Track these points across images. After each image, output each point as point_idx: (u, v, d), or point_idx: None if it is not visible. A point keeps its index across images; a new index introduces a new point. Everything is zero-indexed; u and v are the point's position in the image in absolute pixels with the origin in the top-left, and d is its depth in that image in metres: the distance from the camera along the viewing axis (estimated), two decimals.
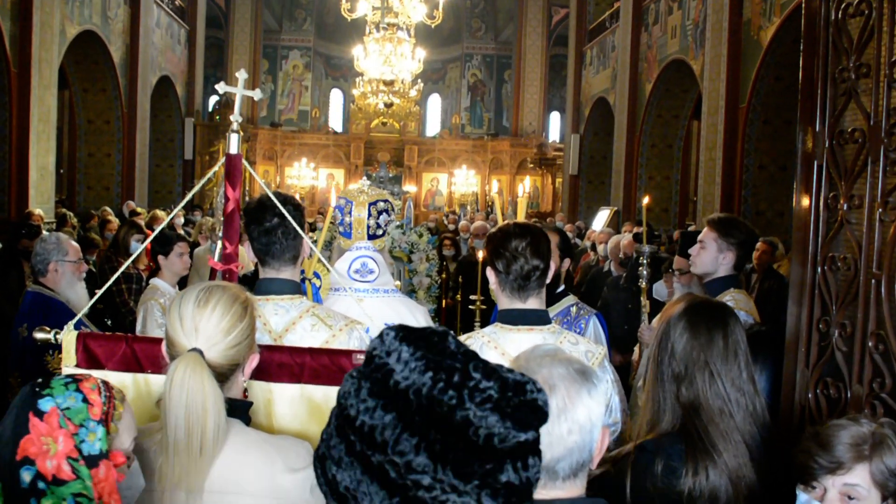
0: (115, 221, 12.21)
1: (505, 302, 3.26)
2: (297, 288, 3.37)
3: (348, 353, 2.87)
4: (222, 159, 3.39)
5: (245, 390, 2.54)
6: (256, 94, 3.66)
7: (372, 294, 4.43)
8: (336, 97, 38.32)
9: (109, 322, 7.36)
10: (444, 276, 10.38)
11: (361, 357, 2.81)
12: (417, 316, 4.42)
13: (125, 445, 2.10)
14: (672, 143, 21.02)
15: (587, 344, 3.33)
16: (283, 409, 2.89)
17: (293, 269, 3.36)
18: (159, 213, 13.56)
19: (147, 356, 2.81)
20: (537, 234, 3.25)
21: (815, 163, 3.05)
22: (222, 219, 5.26)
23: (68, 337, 2.92)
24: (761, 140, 15.12)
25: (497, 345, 3.19)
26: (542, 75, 34.77)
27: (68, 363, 2.90)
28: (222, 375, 2.37)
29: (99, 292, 3.58)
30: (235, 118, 3.35)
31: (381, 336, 1.39)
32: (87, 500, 1.92)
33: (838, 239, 3.00)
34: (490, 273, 3.27)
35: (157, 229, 4.22)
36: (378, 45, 20.53)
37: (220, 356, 2.36)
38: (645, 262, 5.87)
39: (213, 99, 31.02)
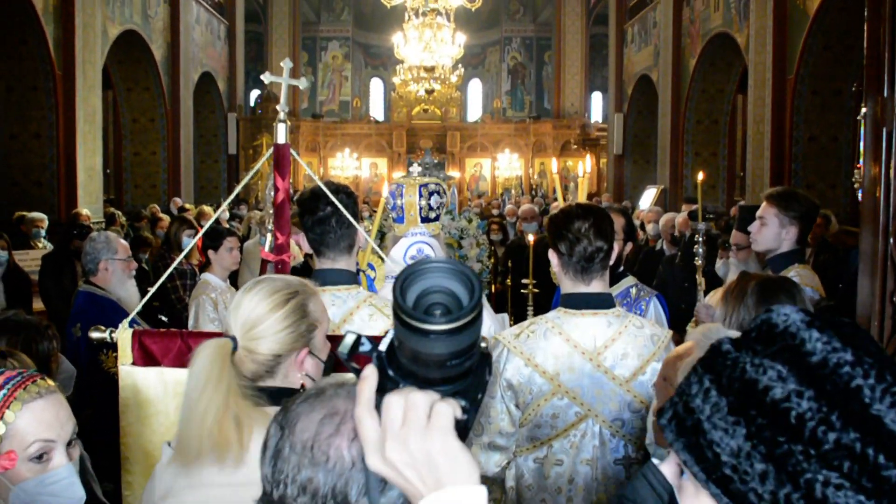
0: (165, 219, 12.29)
1: (568, 285, 3.17)
2: (353, 278, 3.32)
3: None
4: (269, 150, 3.37)
5: (303, 385, 2.49)
6: (302, 83, 3.64)
7: None
8: (376, 86, 38.29)
9: (165, 318, 7.38)
10: (492, 260, 10.32)
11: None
12: None
13: (23, 444, 2.06)
14: (718, 119, 20.72)
15: (652, 327, 3.24)
16: None
17: (349, 259, 3.31)
18: (206, 208, 13.64)
19: None
20: (600, 215, 3.17)
21: (884, 129, 2.94)
22: (271, 211, 5.24)
23: (123, 335, 2.95)
24: (811, 111, 14.83)
25: (561, 330, 3.11)
26: (582, 55, 34.42)
27: (124, 361, 2.94)
28: (264, 364, 2.39)
29: (152, 289, 3.55)
30: (282, 107, 3.38)
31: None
32: None
33: None
34: (552, 256, 3.19)
35: (207, 225, 4.21)
36: (417, 31, 20.47)
37: (253, 343, 2.37)
38: (700, 239, 5.77)
39: (255, 93, 31.15)
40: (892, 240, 2.95)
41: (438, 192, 4.62)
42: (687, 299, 7.74)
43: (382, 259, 4.24)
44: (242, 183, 3.88)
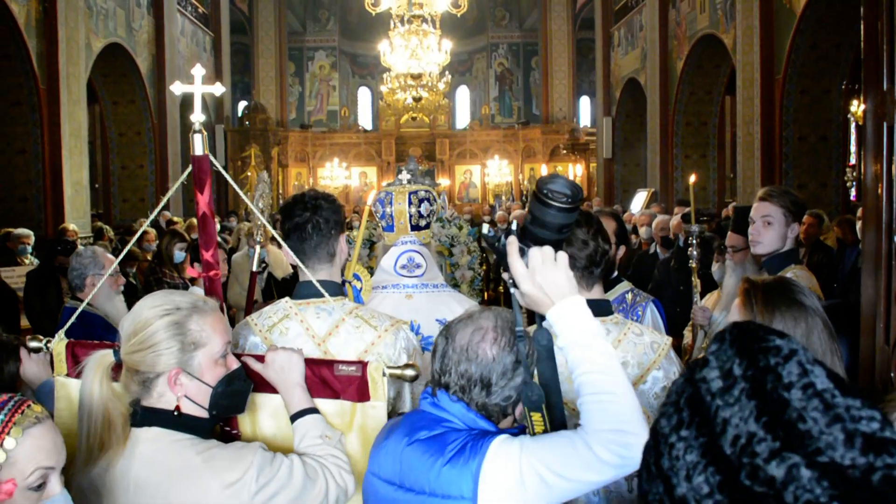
0: (152, 232, 12.14)
1: None
2: (338, 289, 3.21)
3: (330, 365, 2.78)
4: (189, 168, 3.27)
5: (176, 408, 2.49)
6: (217, 90, 3.52)
7: (421, 289, 4.26)
8: (364, 95, 38.23)
9: None
10: (484, 267, 10.23)
11: (344, 367, 2.75)
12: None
13: (24, 473, 1.97)
14: (707, 121, 20.71)
15: (651, 334, 3.13)
16: (267, 420, 2.83)
17: (330, 269, 3.20)
18: (195, 221, 13.50)
19: None
20: (597, 219, 3.10)
21: (885, 124, 2.85)
22: (258, 223, 5.13)
23: (58, 346, 2.94)
24: (799, 111, 14.83)
25: None
26: (569, 60, 34.46)
27: (60, 372, 2.91)
28: (140, 382, 2.43)
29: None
30: (196, 117, 3.21)
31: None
32: None
33: None
34: None
35: (130, 242, 4.11)
36: (404, 39, 20.40)
37: (128, 358, 2.42)
38: (694, 241, 5.70)
39: (243, 104, 31.08)
40: (895, 238, 2.86)
41: (428, 200, 4.52)
42: (683, 303, 7.67)
43: (366, 269, 4.14)
44: (166, 197, 3.76)
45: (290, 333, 3.12)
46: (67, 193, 14.81)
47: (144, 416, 2.42)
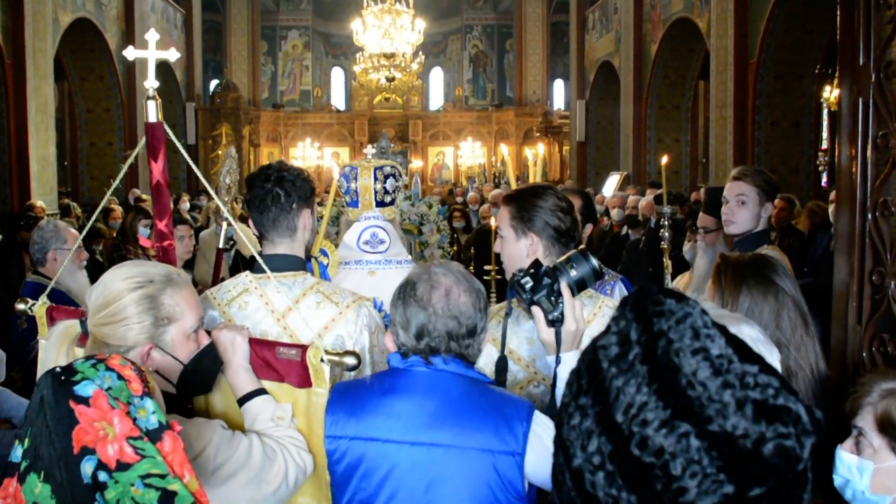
0: (118, 210, 11.99)
1: None
2: (300, 264, 3.12)
3: (272, 347, 2.66)
4: (143, 141, 3.17)
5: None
6: (171, 55, 3.41)
7: (385, 265, 4.18)
8: (337, 75, 37.98)
9: None
10: (454, 248, 10.17)
11: (284, 350, 2.63)
12: None
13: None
14: (680, 105, 20.72)
15: None
16: (216, 398, 2.77)
17: (291, 243, 3.10)
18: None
19: None
20: (564, 195, 3.04)
21: (861, 100, 2.80)
22: (226, 199, 5.00)
23: (40, 310, 2.94)
24: (772, 96, 14.83)
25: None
26: (543, 43, 34.45)
27: (43, 335, 2.89)
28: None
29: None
30: (150, 83, 3.11)
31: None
32: (158, 478, 1.71)
33: (889, 182, 2.75)
34: (522, 239, 3.01)
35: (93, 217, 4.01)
36: (377, 18, 20.24)
37: (97, 330, 2.34)
38: (666, 223, 5.65)
39: (214, 82, 30.82)
40: (870, 216, 2.81)
41: (394, 176, 4.43)
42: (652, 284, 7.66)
43: (333, 245, 4.05)
44: (120, 175, 3.66)
45: (249, 308, 3.03)
46: (34, 170, 14.59)
47: None
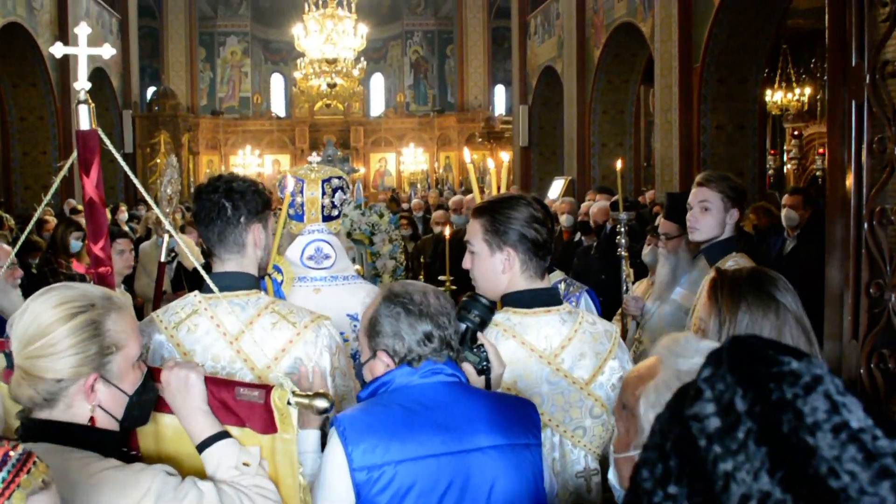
0: (52, 221, 11.59)
1: (521, 283, 2.82)
2: (252, 282, 2.90)
3: (230, 387, 2.36)
4: (74, 154, 2.83)
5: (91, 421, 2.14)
6: (105, 52, 3.05)
7: (330, 282, 3.93)
8: (277, 82, 37.63)
9: None
10: (403, 257, 9.96)
11: (245, 392, 2.31)
12: None
13: None
14: (623, 109, 20.73)
15: (604, 323, 2.92)
16: (168, 444, 2.42)
17: (240, 260, 2.88)
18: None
19: None
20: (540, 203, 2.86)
21: (854, 102, 2.65)
22: (167, 210, 4.70)
23: None
24: (717, 100, 14.86)
25: (515, 333, 2.77)
26: (485, 48, 34.52)
27: None
28: (44, 391, 2.05)
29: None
30: (81, 86, 2.79)
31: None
32: None
33: (886, 189, 2.61)
34: (497, 254, 2.81)
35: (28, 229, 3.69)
36: (318, 23, 20.01)
37: (29, 364, 2.04)
38: (623, 230, 5.51)
39: (152, 90, 30.30)
40: (865, 225, 2.66)
41: (342, 189, 4.21)
42: (606, 292, 7.52)
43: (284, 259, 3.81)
44: (53, 187, 3.27)
45: (199, 331, 2.81)
46: None
47: (37, 430, 2.06)
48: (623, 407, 1.82)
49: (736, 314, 2.48)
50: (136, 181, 2.98)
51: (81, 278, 7.17)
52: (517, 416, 2.37)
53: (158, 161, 24.80)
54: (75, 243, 7.39)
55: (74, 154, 2.81)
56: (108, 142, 2.84)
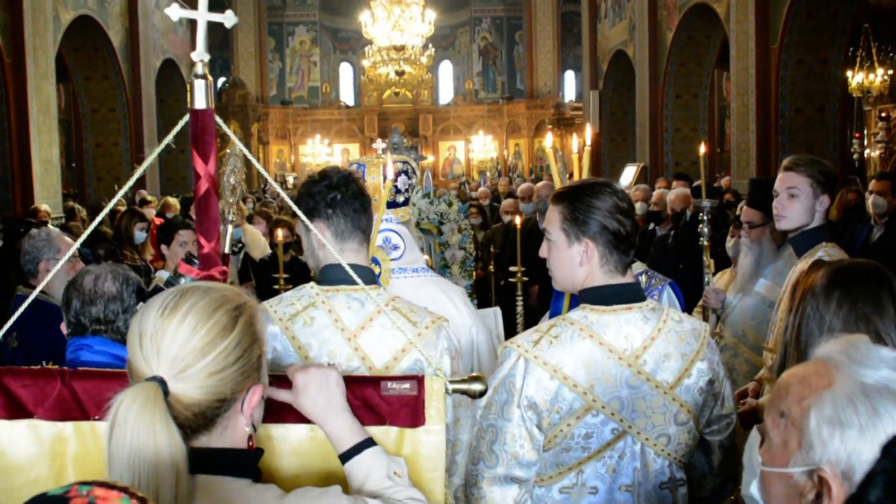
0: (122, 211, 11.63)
1: (600, 278, 2.58)
2: (371, 276, 2.72)
3: (376, 383, 2.11)
4: (185, 117, 2.32)
5: (251, 437, 1.79)
6: (228, 20, 2.53)
7: (398, 274, 3.68)
8: (346, 71, 37.75)
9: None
10: (473, 246, 9.75)
11: (394, 385, 2.06)
12: (454, 299, 3.69)
13: None
14: (697, 93, 20.25)
15: (691, 321, 2.64)
16: (287, 460, 2.14)
17: (365, 252, 2.73)
18: (171, 199, 12.95)
19: (92, 397, 1.97)
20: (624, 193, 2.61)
21: None
22: (230, 200, 4.43)
23: None
24: (796, 82, 14.41)
25: (592, 332, 2.49)
26: (554, 34, 34.21)
27: None
28: (201, 416, 1.67)
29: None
30: (200, 56, 2.30)
31: None
32: None
33: None
34: (574, 245, 2.58)
35: (101, 213, 3.46)
36: (385, 10, 19.91)
37: (192, 387, 1.64)
38: (705, 218, 5.22)
39: (221, 80, 30.53)
40: None
41: (406, 173, 4.00)
42: (684, 283, 7.23)
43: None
44: (140, 169, 2.69)
45: (316, 324, 2.58)
46: (37, 172, 14.25)
47: (211, 463, 1.71)
48: (781, 415, 1.57)
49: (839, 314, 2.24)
50: (259, 168, 2.66)
51: (146, 269, 7.12)
52: None
53: (227, 151, 24.98)
54: (139, 234, 7.34)
55: (174, 132, 2.32)
56: (224, 125, 2.41)
